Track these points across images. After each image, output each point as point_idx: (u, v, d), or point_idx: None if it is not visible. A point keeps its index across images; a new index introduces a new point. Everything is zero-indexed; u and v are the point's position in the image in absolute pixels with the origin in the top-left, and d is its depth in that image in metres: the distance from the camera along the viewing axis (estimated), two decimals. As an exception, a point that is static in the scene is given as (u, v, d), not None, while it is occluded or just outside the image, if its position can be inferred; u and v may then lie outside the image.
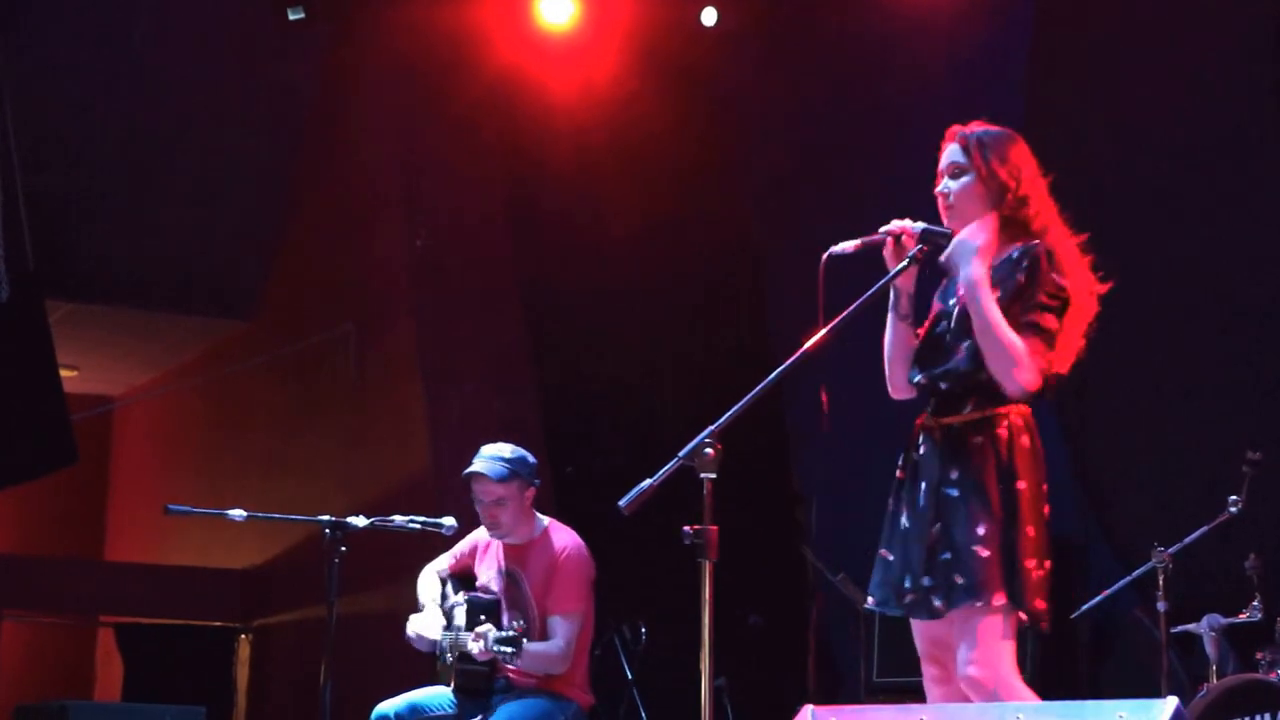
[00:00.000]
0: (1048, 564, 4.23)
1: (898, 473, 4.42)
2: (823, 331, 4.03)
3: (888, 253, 4.37)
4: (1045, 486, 4.26)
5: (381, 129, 10.69)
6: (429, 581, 6.37)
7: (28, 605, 12.91)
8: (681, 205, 9.52)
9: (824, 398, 4.30)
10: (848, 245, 4.33)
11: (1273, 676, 6.19)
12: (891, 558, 4.37)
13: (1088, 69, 8.20)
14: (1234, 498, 6.49)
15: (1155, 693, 6.14)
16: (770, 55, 9.49)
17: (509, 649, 5.75)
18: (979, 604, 4.13)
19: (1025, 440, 4.23)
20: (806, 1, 9.28)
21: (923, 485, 4.32)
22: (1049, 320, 4.22)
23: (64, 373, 10.28)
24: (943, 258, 4.32)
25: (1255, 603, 6.46)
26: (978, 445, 4.23)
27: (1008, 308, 4.22)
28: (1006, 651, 4.16)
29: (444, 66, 9.68)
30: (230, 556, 12.32)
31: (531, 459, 6.18)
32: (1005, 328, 4.19)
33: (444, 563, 6.43)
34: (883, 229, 4.36)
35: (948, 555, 4.20)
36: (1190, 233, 7.71)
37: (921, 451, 4.35)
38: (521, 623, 5.96)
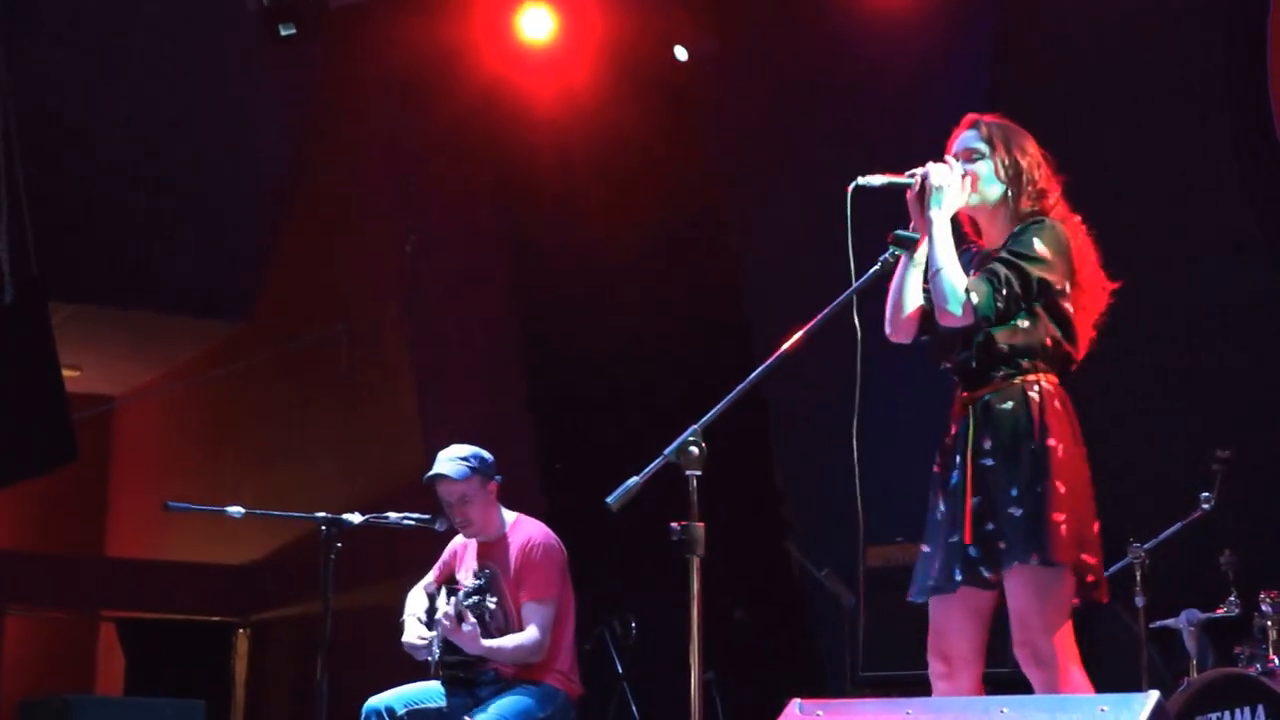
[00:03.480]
0: (1095, 525, 4.24)
1: (934, 467, 4.44)
2: (800, 333, 4.06)
3: (911, 196, 4.36)
4: (1084, 449, 4.29)
5: (373, 136, 10.79)
6: (416, 598, 6.43)
7: (31, 600, 12.96)
8: (662, 209, 9.64)
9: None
10: (874, 179, 4.34)
11: (1251, 670, 6.21)
12: (928, 549, 4.39)
13: (1054, 77, 8.31)
14: (1206, 494, 6.56)
15: (1136, 687, 6.21)
16: (741, 61, 9.62)
17: (476, 596, 5.85)
18: (1019, 564, 4.14)
19: (1057, 404, 4.26)
20: (777, 13, 9.40)
21: (956, 460, 4.32)
22: (1002, 269, 4.25)
23: (67, 372, 10.36)
24: (911, 193, 4.35)
25: (1232, 598, 6.48)
26: (1009, 411, 4.25)
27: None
28: (1062, 626, 4.16)
29: (432, 77, 9.81)
30: (228, 552, 12.38)
31: (488, 456, 6.26)
32: (952, 268, 4.26)
33: (429, 577, 6.50)
34: (909, 172, 4.36)
35: (992, 525, 4.21)
36: (1163, 231, 7.79)
37: (954, 433, 4.37)
38: (495, 600, 6.03)
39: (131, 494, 14.64)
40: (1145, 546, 6.57)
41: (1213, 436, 6.71)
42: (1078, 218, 4.45)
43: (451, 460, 6.21)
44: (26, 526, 14.63)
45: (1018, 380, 4.27)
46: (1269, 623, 6.29)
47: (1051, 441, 4.20)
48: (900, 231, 4.35)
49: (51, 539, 14.71)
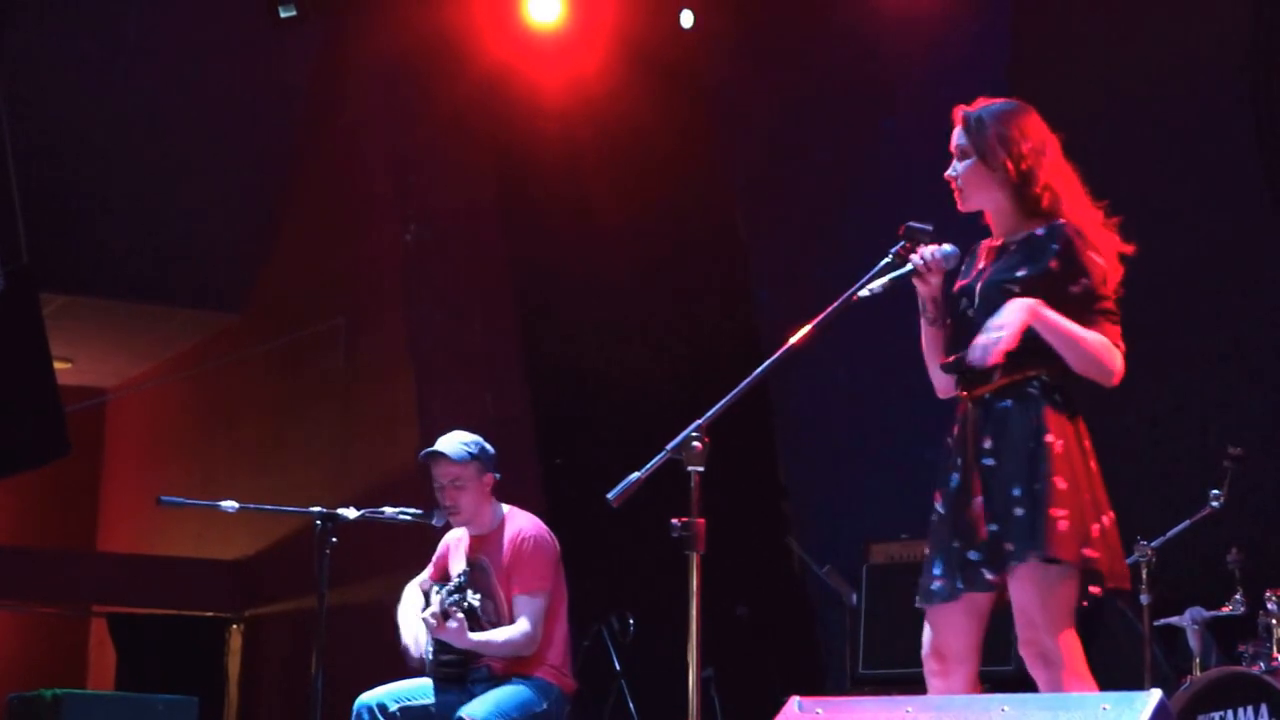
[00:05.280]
0: (1105, 519, 4.16)
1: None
2: (808, 327, 4.02)
3: (918, 281, 4.29)
4: (1088, 443, 4.22)
5: (373, 124, 10.74)
6: (411, 596, 6.40)
7: (21, 595, 12.93)
8: (668, 198, 9.58)
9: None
10: (877, 286, 4.22)
11: (1255, 669, 6.21)
12: (929, 552, 4.34)
13: (1070, 58, 8.26)
14: (1216, 492, 6.54)
15: (1139, 685, 6.19)
16: (753, 49, 9.54)
17: (456, 595, 5.83)
18: (1016, 564, 4.08)
19: (1058, 397, 4.22)
20: (794, 2, 9.34)
21: (959, 461, 4.28)
22: (1109, 303, 4.22)
23: (58, 365, 10.33)
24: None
25: (1237, 596, 6.48)
26: (1007, 410, 4.22)
27: (1045, 288, 4.18)
28: (1067, 624, 4.10)
29: (434, 63, 9.72)
30: (222, 548, 12.36)
31: (491, 449, 6.24)
32: (1084, 335, 4.17)
33: (425, 574, 6.47)
34: (913, 259, 4.25)
35: (996, 527, 4.16)
36: (1178, 222, 7.75)
37: (955, 434, 4.32)
38: (480, 597, 5.99)
39: (124, 488, 14.62)
40: (1152, 545, 6.52)
41: (1225, 434, 6.66)
42: (1079, 188, 4.36)
43: (452, 442, 6.19)
44: (17, 520, 14.60)
45: (1017, 377, 4.22)
46: (1274, 621, 6.29)
47: (1049, 438, 4.15)
48: (912, 223, 4.28)
49: (43, 533, 14.69)
